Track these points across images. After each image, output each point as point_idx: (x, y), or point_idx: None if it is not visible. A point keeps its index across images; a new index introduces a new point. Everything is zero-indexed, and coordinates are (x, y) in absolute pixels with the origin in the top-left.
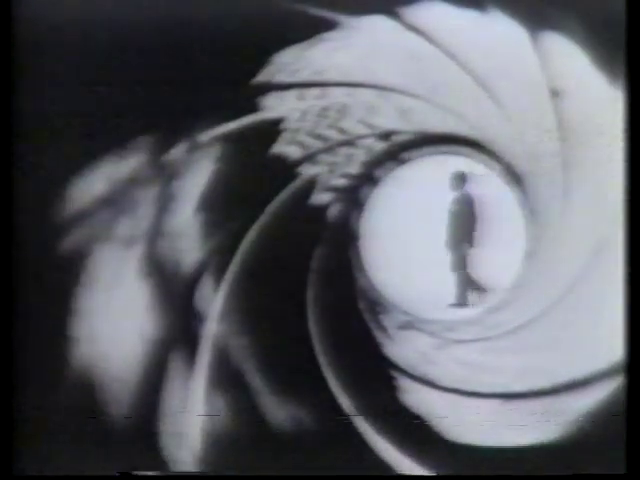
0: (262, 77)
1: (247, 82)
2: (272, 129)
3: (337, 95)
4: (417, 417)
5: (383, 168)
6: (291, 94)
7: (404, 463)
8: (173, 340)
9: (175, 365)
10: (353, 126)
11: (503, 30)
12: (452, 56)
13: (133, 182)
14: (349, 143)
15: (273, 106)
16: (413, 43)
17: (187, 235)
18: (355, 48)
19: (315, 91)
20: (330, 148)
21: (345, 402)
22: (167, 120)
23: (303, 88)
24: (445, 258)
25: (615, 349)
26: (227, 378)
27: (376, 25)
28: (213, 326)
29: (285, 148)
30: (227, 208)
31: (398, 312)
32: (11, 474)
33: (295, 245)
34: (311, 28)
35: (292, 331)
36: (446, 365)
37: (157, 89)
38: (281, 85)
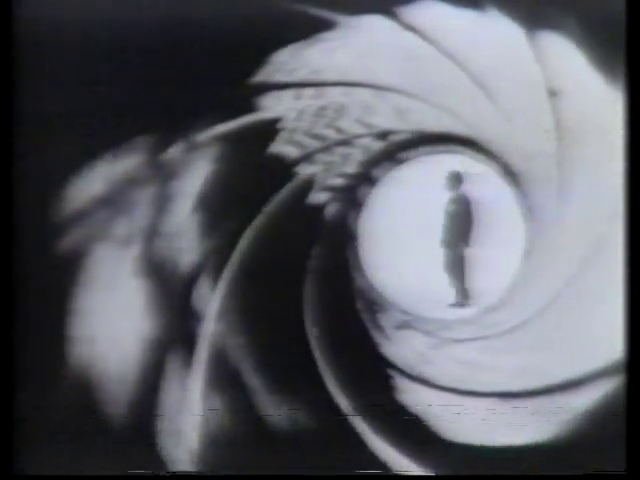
0: (260, 77)
1: (245, 82)
2: (269, 129)
3: (334, 95)
4: (414, 416)
5: (380, 168)
6: (288, 94)
7: (401, 462)
8: (170, 339)
9: (173, 364)
10: (350, 126)
11: (501, 30)
12: (450, 56)
13: (130, 182)
14: (346, 143)
15: (271, 106)
16: (410, 43)
17: (184, 235)
18: (352, 48)
19: (312, 91)
20: (327, 148)
21: (343, 402)
22: (164, 120)
23: (300, 88)
24: (443, 258)
25: (613, 348)
26: (224, 377)
27: (373, 25)
28: (210, 325)
29: (282, 148)
30: (224, 208)
31: (396, 312)
32: (11, 474)
33: (292, 245)
34: (309, 28)
35: (289, 331)
36: (444, 364)
37: (153, 89)
38: (279, 85)
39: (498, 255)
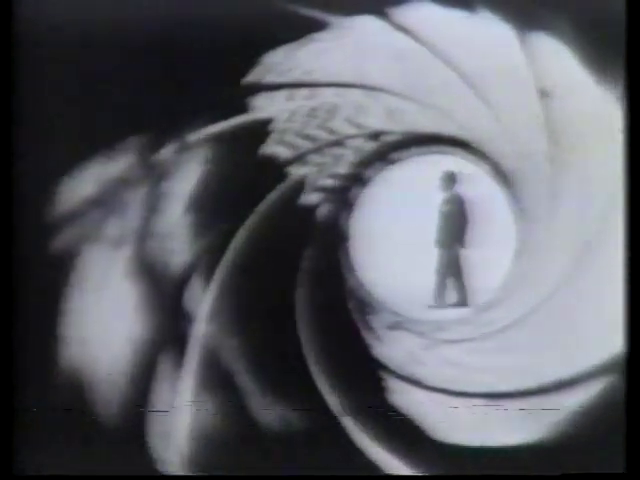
0: (252, 77)
1: (237, 82)
2: (262, 129)
3: (326, 95)
4: (406, 417)
5: (372, 168)
6: (281, 94)
7: (392, 463)
8: (162, 340)
9: (164, 365)
10: (342, 126)
11: (492, 30)
12: (442, 56)
13: (122, 182)
14: (338, 143)
15: (263, 106)
16: (402, 43)
17: (176, 235)
18: (345, 48)
19: (304, 91)
20: (319, 148)
21: (334, 402)
22: (156, 120)
23: (293, 88)
24: (435, 259)
25: (607, 347)
26: (216, 378)
27: (366, 26)
28: (202, 326)
29: (274, 148)
30: (216, 208)
31: (387, 312)
32: (11, 474)
33: (284, 245)
34: (302, 28)
35: (281, 331)
36: (435, 365)
37: (146, 90)
38: (271, 85)
39: (490, 255)
